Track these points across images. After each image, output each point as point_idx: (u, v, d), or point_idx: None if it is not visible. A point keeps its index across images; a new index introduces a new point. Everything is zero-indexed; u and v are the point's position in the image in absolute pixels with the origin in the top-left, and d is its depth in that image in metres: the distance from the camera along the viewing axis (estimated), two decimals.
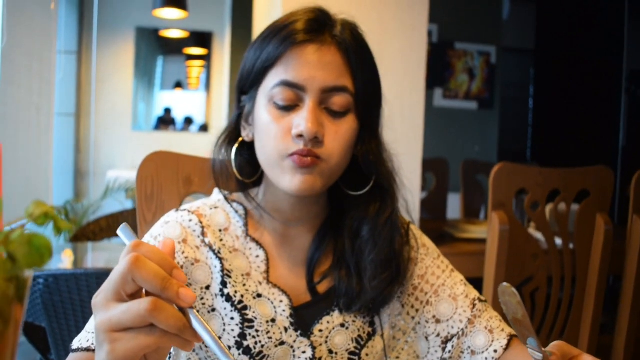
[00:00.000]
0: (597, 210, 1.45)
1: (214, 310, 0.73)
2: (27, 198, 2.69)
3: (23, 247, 0.35)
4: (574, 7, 4.19)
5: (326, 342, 0.74)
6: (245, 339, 0.71)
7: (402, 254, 0.79)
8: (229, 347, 0.71)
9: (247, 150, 0.80)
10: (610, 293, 1.60)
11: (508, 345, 0.74)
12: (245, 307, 0.72)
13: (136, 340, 0.47)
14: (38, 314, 1.56)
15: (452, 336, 0.77)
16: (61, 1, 4.06)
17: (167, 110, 4.96)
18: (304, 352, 0.73)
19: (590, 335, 1.46)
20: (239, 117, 0.80)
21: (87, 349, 0.64)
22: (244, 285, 0.74)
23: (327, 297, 0.77)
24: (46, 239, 0.36)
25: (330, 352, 0.74)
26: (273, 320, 0.73)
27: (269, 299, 0.74)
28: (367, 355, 0.75)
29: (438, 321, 0.78)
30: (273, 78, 0.72)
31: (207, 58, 4.99)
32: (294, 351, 0.73)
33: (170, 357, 0.74)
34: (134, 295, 0.48)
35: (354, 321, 0.76)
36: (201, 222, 0.77)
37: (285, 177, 0.72)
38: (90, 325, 0.67)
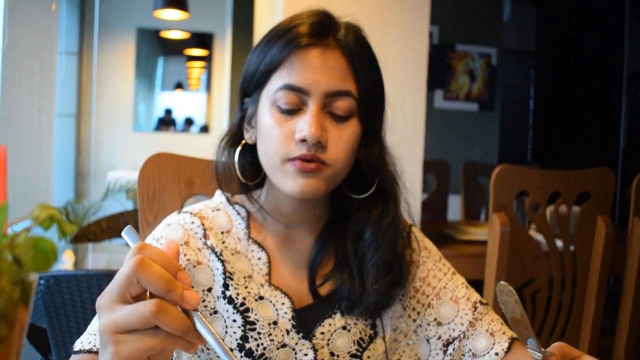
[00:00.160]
0: (598, 212, 1.45)
1: (216, 312, 0.73)
2: (28, 199, 2.70)
3: (29, 250, 0.35)
4: (574, 8, 4.19)
5: (328, 344, 0.74)
6: (247, 342, 0.71)
7: (404, 256, 0.79)
8: (231, 350, 0.71)
9: (250, 152, 0.80)
10: (610, 295, 1.60)
11: (509, 348, 0.74)
12: (247, 310, 0.72)
13: (140, 342, 0.47)
14: (39, 315, 1.56)
15: (454, 339, 0.77)
16: (62, 2, 4.07)
17: (168, 111, 4.96)
18: (305, 355, 0.73)
19: (591, 337, 1.46)
20: (242, 119, 0.80)
21: (89, 351, 0.64)
22: (246, 287, 0.74)
23: (329, 299, 0.77)
24: (52, 243, 0.36)
25: (332, 354, 0.74)
26: (275, 323, 0.72)
27: (270, 302, 0.74)
28: (368, 357, 0.75)
29: (439, 324, 0.78)
30: (276, 81, 0.72)
31: (207, 59, 4.99)
32: (295, 354, 0.73)
33: (172, 359, 0.74)
34: (139, 297, 0.48)
35: (355, 324, 0.76)
36: (203, 225, 0.77)
37: (287, 181, 0.72)
38: (92, 326, 0.67)
